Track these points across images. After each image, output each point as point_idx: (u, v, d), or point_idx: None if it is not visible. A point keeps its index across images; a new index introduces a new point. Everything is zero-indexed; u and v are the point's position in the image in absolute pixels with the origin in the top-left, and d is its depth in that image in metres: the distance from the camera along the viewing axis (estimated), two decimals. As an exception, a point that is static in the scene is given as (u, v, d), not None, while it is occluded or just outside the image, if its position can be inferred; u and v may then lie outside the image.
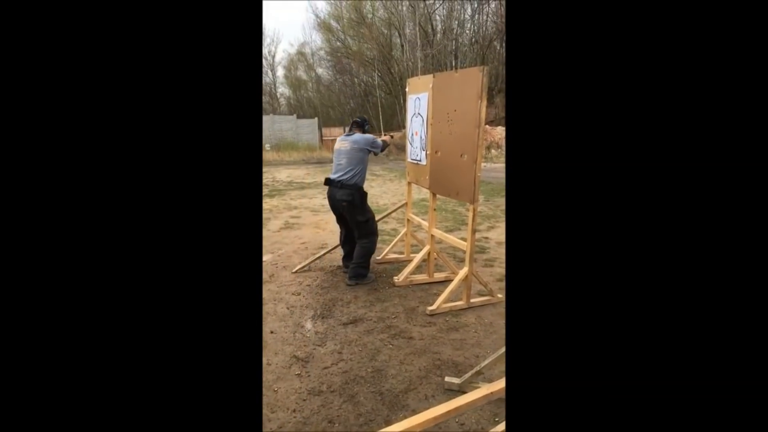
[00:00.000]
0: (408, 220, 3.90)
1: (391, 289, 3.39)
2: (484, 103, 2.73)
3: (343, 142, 3.41)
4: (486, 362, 2.13)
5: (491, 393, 1.04)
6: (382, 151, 3.48)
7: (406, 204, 3.91)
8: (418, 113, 3.42)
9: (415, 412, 2.00)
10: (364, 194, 3.37)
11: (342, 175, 3.30)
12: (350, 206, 3.29)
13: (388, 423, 1.92)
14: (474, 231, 2.91)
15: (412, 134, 3.56)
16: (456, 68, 22.63)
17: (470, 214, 2.88)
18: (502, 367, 2.26)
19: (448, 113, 3.00)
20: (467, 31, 24.12)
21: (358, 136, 3.39)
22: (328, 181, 3.38)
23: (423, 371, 2.31)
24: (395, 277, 3.49)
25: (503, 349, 2.09)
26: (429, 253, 3.45)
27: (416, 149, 3.50)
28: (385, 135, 3.73)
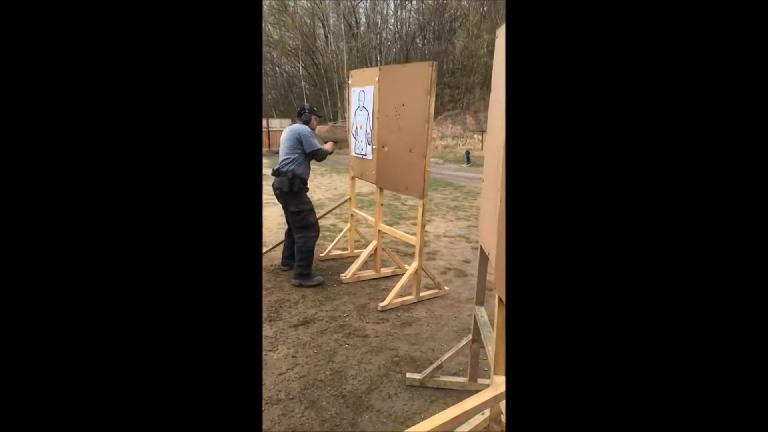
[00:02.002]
0: (352, 215, 3.84)
1: (339, 286, 3.31)
2: (433, 98, 2.75)
3: (285, 130, 3.41)
4: (446, 357, 2.16)
5: (500, 393, 1.04)
6: (314, 157, 3.29)
7: (349, 199, 3.84)
8: (363, 106, 3.36)
9: (380, 411, 1.97)
10: (298, 182, 3.21)
11: (279, 164, 3.27)
12: (282, 194, 3.22)
13: (355, 426, 1.87)
14: (423, 225, 2.93)
15: (357, 128, 3.49)
16: (380, 63, 22.78)
17: (420, 209, 2.89)
18: (459, 359, 2.30)
19: (396, 108, 2.98)
20: (390, 26, 24.39)
21: (295, 125, 3.32)
22: (273, 171, 3.34)
23: (383, 369, 2.29)
24: (342, 275, 3.42)
25: (462, 343, 2.13)
26: (376, 249, 3.42)
27: (361, 143, 3.44)
28: (327, 143, 3.50)
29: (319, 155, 3.29)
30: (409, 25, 23.63)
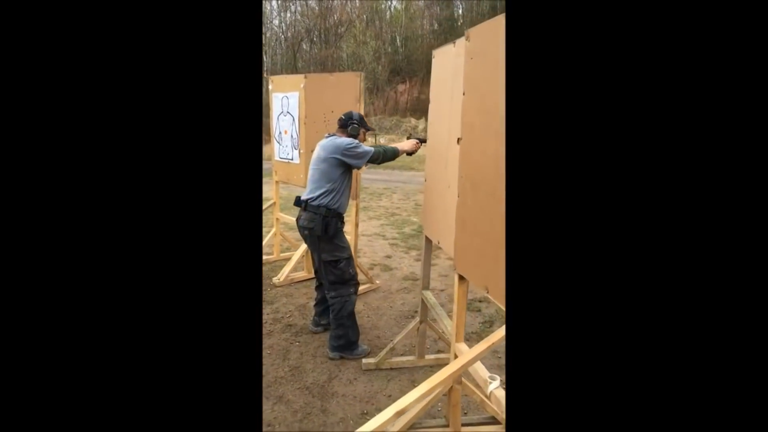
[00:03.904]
0: (277, 219, 3.87)
1: (273, 290, 3.34)
2: (361, 105, 2.97)
3: (318, 147, 2.46)
4: (397, 339, 2.40)
5: (492, 344, 1.29)
6: (382, 160, 2.42)
7: (274, 203, 3.87)
8: (288, 112, 3.44)
9: (345, 396, 2.13)
10: (334, 222, 2.35)
11: (308, 193, 2.40)
12: (312, 236, 2.37)
13: (325, 411, 2.01)
14: (357, 225, 3.14)
15: (281, 132, 3.56)
16: (267, 65, 22.21)
17: (354, 210, 3.09)
18: (404, 341, 2.55)
19: (325, 114, 3.13)
20: (275, 27, 23.92)
21: (331, 140, 2.40)
22: (297, 202, 2.47)
23: (338, 359, 2.44)
24: (274, 278, 3.46)
25: (411, 326, 2.39)
26: (307, 249, 3.52)
27: (286, 148, 3.51)
28: (408, 140, 2.50)
29: (387, 157, 2.42)
30: (295, 28, 23.44)
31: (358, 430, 1.22)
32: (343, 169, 2.36)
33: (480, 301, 3.17)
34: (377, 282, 3.49)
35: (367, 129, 2.54)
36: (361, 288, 3.34)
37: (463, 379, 1.82)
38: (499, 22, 1.30)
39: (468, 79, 1.53)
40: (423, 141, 2.47)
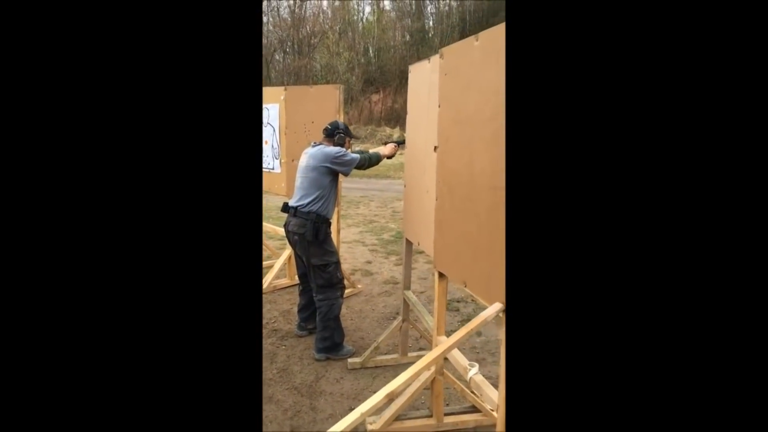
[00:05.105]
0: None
1: (257, 296, 3.40)
2: (341, 116, 3.10)
3: (304, 156, 2.57)
4: (381, 338, 2.51)
5: (471, 329, 1.42)
6: (367, 166, 2.57)
7: (255, 212, 3.93)
8: (268, 123, 3.53)
9: (332, 394, 2.22)
10: (324, 228, 2.48)
11: (297, 200, 2.49)
12: (302, 241, 2.46)
13: (315, 409, 2.10)
14: (339, 231, 3.24)
15: (261, 143, 3.64)
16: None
17: (335, 216, 3.20)
18: (390, 340, 2.66)
19: (305, 125, 3.24)
20: (247, 39, 23.83)
21: (319, 149, 2.51)
22: (284, 208, 2.58)
23: (324, 360, 2.53)
24: (257, 285, 3.52)
25: (394, 325, 2.50)
26: (289, 257, 3.60)
27: (267, 158, 3.60)
28: (387, 145, 2.64)
29: (372, 162, 2.57)
30: (267, 39, 23.46)
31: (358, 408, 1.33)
32: (332, 176, 2.50)
33: (458, 302, 3.31)
34: (359, 286, 3.59)
35: (352, 137, 2.70)
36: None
37: (445, 370, 1.95)
38: (469, 43, 1.45)
39: (442, 93, 1.68)
40: (400, 143, 2.61)
